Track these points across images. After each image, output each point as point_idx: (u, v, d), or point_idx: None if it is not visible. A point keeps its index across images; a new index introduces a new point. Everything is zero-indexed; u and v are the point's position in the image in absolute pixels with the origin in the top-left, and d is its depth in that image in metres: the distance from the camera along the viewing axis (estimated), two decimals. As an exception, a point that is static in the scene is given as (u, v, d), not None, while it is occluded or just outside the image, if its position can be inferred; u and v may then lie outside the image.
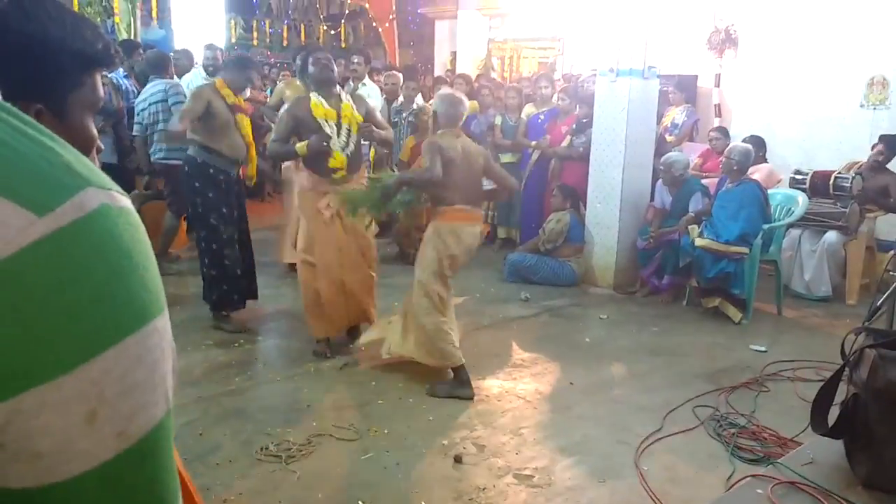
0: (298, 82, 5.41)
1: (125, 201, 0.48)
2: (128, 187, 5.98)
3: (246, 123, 4.56)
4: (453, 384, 3.74)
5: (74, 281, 0.43)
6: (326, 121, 3.99)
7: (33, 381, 0.42)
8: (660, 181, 5.68)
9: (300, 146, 3.99)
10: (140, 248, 0.47)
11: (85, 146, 0.88)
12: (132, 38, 7.24)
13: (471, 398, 3.68)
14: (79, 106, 0.88)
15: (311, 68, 4.08)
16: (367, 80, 6.95)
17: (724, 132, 6.67)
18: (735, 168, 5.18)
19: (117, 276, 0.45)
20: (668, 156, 5.64)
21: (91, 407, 0.44)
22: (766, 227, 5.11)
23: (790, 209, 5.47)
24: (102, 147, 0.98)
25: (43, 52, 0.80)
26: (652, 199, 5.82)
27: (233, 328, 4.54)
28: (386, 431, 3.31)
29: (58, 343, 0.43)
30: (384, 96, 7.06)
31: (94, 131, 0.92)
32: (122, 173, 5.90)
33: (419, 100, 7.02)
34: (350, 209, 3.91)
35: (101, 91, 0.92)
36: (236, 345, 4.37)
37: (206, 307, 4.60)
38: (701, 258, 5.04)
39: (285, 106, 4.31)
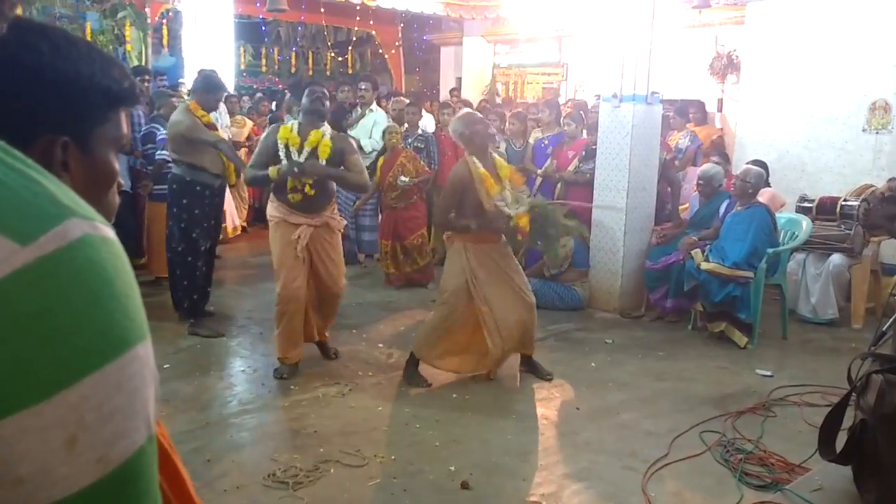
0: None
1: (108, 231, 0.49)
2: (139, 213, 6.04)
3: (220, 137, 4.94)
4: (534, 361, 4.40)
5: (56, 309, 0.44)
6: (288, 144, 4.10)
7: (14, 408, 0.42)
8: (695, 193, 5.82)
9: (272, 170, 4.10)
10: (122, 277, 0.48)
11: (106, 180, 0.90)
12: (143, 65, 7.35)
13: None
14: (104, 141, 0.90)
15: (304, 99, 4.22)
16: (374, 105, 7.05)
17: (723, 157, 6.73)
18: (750, 191, 5.21)
19: (98, 304, 0.46)
20: (706, 169, 5.69)
21: (71, 433, 0.44)
22: (770, 251, 5.11)
23: (794, 233, 5.48)
24: (123, 183, 1.00)
25: (73, 89, 0.83)
26: (667, 211, 5.98)
27: (208, 333, 4.87)
28: (393, 457, 3.30)
29: (38, 369, 0.43)
30: (391, 121, 7.13)
31: (117, 166, 0.94)
32: (135, 199, 5.97)
33: (421, 123, 7.14)
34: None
35: (126, 128, 0.95)
36: (243, 371, 4.38)
37: (197, 331, 4.90)
38: (708, 283, 5.04)
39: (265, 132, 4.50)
